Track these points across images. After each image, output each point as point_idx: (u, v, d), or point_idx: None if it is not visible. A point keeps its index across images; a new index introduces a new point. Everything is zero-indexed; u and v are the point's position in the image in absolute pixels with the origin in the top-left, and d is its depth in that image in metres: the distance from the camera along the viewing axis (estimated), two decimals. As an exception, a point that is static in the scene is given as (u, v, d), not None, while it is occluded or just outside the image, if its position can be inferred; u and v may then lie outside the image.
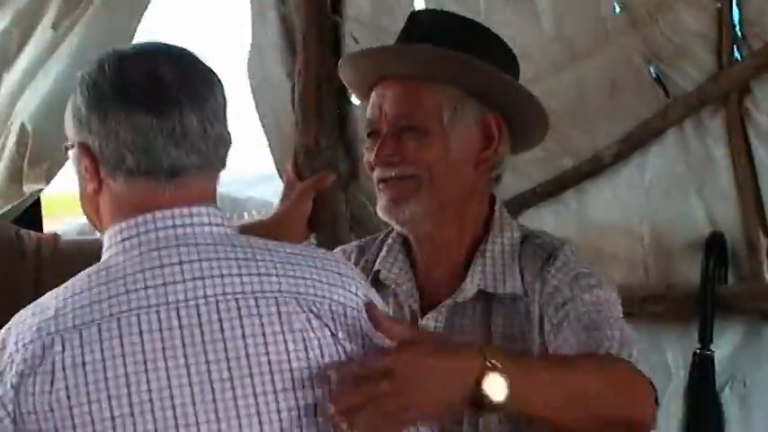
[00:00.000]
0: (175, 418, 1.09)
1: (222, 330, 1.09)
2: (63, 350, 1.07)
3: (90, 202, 1.21)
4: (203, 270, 1.12)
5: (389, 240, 1.52)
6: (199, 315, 1.10)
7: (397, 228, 1.43)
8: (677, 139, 2.09)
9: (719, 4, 1.95)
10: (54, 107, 2.14)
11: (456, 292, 1.41)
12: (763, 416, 1.98)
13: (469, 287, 1.41)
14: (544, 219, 2.15)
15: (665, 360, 2.06)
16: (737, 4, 1.97)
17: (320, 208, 1.95)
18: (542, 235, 1.46)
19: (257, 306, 1.11)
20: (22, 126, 2.21)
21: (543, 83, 2.06)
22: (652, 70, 2.12)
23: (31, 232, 1.93)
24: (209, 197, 1.15)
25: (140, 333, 1.08)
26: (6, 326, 1.13)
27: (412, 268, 1.48)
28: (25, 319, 1.11)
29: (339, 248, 1.60)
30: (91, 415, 1.07)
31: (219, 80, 1.18)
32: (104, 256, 1.16)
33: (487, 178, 1.40)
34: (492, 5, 2.15)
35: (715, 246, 2.00)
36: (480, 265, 1.42)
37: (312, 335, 1.13)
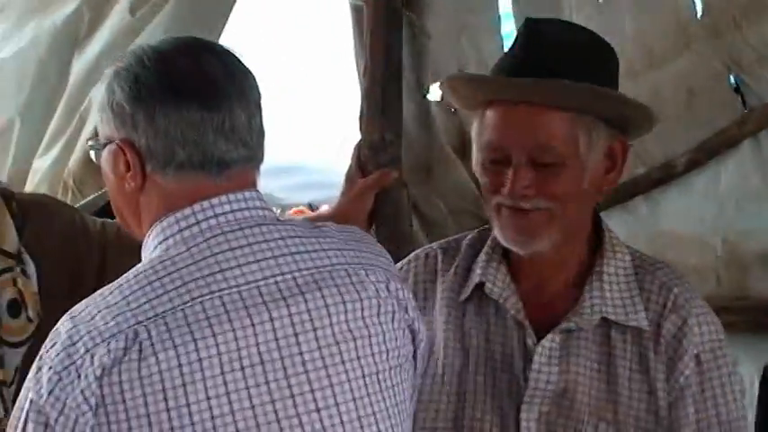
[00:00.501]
0: (270, 392, 1.10)
1: (306, 302, 1.12)
2: (150, 338, 1.08)
3: (128, 201, 1.21)
4: (273, 250, 1.14)
5: (487, 249, 1.48)
6: (280, 290, 1.12)
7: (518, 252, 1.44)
8: (753, 149, 2.12)
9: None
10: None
11: (573, 315, 1.40)
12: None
13: (589, 312, 1.39)
14: (613, 225, 2.07)
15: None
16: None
17: (383, 203, 1.96)
18: (655, 263, 1.44)
19: (332, 278, 1.15)
20: (102, 113, 2.22)
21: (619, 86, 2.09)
22: (732, 78, 2.15)
23: (95, 217, 2.00)
24: (253, 186, 1.20)
25: (227, 313, 1.09)
26: (67, 324, 1.14)
27: (514, 280, 1.45)
28: (93, 316, 1.12)
29: (421, 250, 1.58)
30: (186, 397, 1.08)
31: (253, 74, 1.21)
32: (161, 248, 1.17)
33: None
34: (576, 3, 2.19)
35: (788, 259, 2.00)
36: (598, 290, 1.40)
37: (383, 301, 1.18)
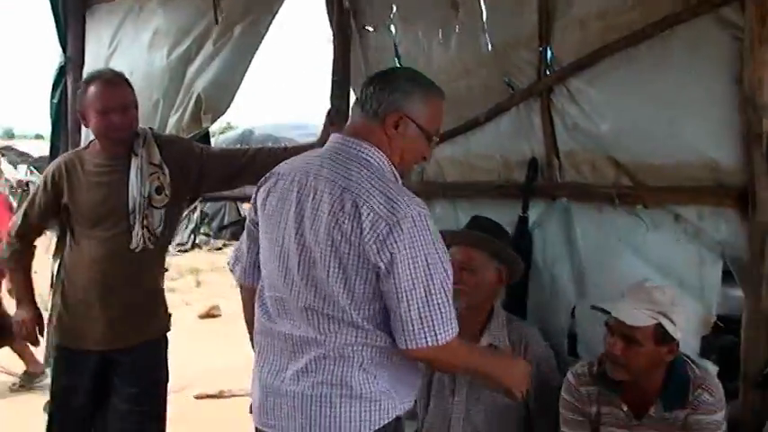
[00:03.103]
0: (290, 228, 1.91)
1: (330, 194, 1.86)
2: (281, 175, 1.98)
3: None
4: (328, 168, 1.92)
5: None
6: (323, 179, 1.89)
7: None
8: (518, 112, 3.17)
9: (540, 49, 3.04)
10: (219, 85, 3.62)
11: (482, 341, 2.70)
12: (549, 241, 3.09)
13: (484, 341, 2.70)
14: (449, 148, 3.32)
15: (504, 217, 3.11)
16: (550, 49, 3.04)
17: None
18: (515, 320, 2.82)
19: (324, 191, 1.88)
20: (199, 95, 3.60)
21: (450, 85, 3.10)
22: (505, 80, 3.21)
23: (198, 143, 3.21)
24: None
25: (298, 179, 1.94)
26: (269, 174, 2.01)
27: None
28: (278, 167, 2.01)
29: None
30: (284, 202, 1.93)
31: None
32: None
33: None
34: (430, 43, 3.38)
35: (533, 163, 3.10)
36: (488, 332, 2.75)
37: (343, 212, 1.85)
